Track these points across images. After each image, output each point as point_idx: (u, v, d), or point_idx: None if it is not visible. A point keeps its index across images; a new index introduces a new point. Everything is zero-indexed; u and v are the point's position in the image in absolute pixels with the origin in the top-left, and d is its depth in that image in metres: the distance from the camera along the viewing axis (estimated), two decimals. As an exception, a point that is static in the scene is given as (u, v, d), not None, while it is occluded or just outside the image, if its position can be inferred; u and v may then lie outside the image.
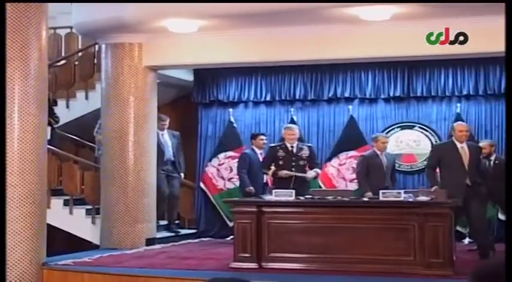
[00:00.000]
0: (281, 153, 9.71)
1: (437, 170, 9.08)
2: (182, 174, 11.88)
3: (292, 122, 11.57)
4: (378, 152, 10.05)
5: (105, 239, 10.52)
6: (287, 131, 9.91)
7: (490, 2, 8.18)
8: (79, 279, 8.22)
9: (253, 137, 11.22)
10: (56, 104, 12.14)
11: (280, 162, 9.67)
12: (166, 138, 11.63)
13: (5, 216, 7.86)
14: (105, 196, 10.55)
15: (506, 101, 5.85)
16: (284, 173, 9.56)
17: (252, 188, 10.64)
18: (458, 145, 8.83)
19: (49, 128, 11.67)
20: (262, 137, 11.11)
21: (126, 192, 10.44)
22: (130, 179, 10.47)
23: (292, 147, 9.74)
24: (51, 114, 11.84)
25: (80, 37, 12.75)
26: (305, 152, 9.76)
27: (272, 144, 10.29)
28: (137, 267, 8.47)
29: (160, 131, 11.42)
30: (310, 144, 10.35)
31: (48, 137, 11.59)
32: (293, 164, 9.66)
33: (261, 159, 10.69)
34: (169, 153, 11.57)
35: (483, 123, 11.39)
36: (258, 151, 10.97)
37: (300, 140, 10.65)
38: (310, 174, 9.74)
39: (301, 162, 9.73)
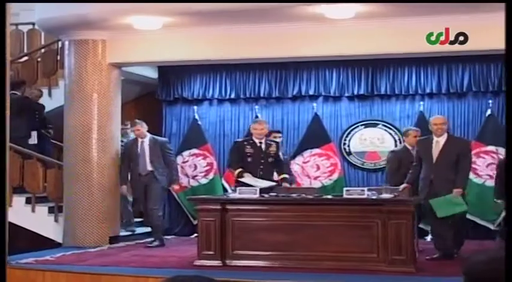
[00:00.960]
0: (249, 149, 9.16)
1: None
2: (176, 186, 10.94)
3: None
4: (409, 147, 9.74)
5: (68, 237, 10.44)
6: (253, 125, 9.43)
7: (490, 1, 8.27)
8: (41, 278, 8.13)
9: (268, 134, 10.57)
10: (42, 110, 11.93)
11: (249, 160, 9.12)
12: (146, 146, 10.50)
13: (4, 216, 7.75)
14: (69, 194, 10.47)
15: (507, 101, 5.87)
16: (248, 180, 8.81)
17: None
18: (434, 139, 8.75)
19: (35, 133, 11.59)
20: (276, 134, 10.57)
21: (89, 190, 10.37)
22: (94, 176, 10.41)
23: (260, 143, 9.22)
24: (44, 126, 11.71)
25: (42, 33, 12.62)
26: (273, 149, 9.27)
27: (238, 139, 9.91)
28: (100, 266, 8.42)
29: (140, 139, 10.57)
30: (277, 140, 9.80)
31: (35, 141, 11.52)
32: (262, 161, 9.14)
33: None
34: (144, 164, 10.43)
35: (446, 122, 11.49)
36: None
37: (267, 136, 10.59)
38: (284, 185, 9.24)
39: (270, 160, 9.21)
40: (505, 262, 1.77)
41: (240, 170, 9.01)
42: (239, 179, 8.92)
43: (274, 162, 9.28)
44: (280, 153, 9.54)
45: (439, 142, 8.71)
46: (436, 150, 8.69)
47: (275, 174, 9.38)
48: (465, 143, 9.21)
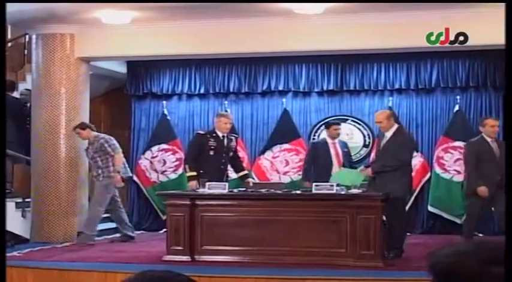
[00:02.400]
0: (212, 142, 9.13)
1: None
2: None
3: (226, 114, 11.57)
4: (488, 139, 8.83)
5: (35, 232, 10.36)
6: (222, 119, 9.32)
7: (490, 2, 8.33)
8: (8, 275, 8.02)
9: (327, 126, 10.41)
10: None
11: (211, 153, 9.10)
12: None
13: (4, 216, 7.66)
14: (36, 189, 10.40)
15: (506, 100, 5.90)
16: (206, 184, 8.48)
17: (308, 183, 9.49)
18: (385, 133, 8.74)
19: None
20: (336, 126, 10.26)
21: (57, 185, 10.30)
22: (62, 171, 10.34)
23: (224, 137, 9.25)
24: None
25: (9, 27, 12.49)
26: (234, 144, 9.43)
27: (201, 131, 9.77)
28: (68, 261, 8.37)
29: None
30: (237, 135, 9.84)
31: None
32: (224, 155, 9.21)
33: (332, 150, 10.03)
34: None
35: (414, 117, 11.57)
36: (330, 141, 10.16)
37: (234, 132, 10.59)
38: (249, 181, 9.30)
39: (230, 154, 9.36)
40: (505, 262, 1.78)
41: (193, 174, 8.91)
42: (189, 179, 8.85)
43: (232, 157, 9.43)
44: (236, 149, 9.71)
45: (386, 137, 8.70)
46: (382, 145, 8.73)
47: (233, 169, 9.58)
48: (407, 138, 8.99)
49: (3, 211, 7.69)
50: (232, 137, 9.46)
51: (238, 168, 9.56)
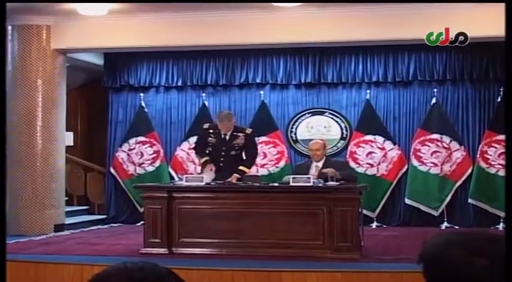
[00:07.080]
0: (212, 139, 8.73)
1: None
2: None
3: (204, 107, 11.58)
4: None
5: (11, 225, 10.27)
6: (220, 124, 8.76)
7: (490, 2, 8.34)
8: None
9: None
10: None
11: (210, 149, 8.76)
12: None
13: (4, 213, 7.57)
14: (12, 181, 10.31)
15: (506, 100, 5.89)
16: (209, 175, 8.45)
17: None
18: (313, 164, 8.83)
19: None
20: None
21: (34, 178, 10.26)
22: (38, 164, 10.29)
23: (225, 134, 8.72)
24: None
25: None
26: (239, 141, 8.71)
27: (205, 125, 9.12)
28: (45, 254, 8.32)
29: None
30: (248, 131, 9.01)
31: None
32: (223, 154, 8.69)
33: None
34: None
35: (392, 110, 11.60)
36: None
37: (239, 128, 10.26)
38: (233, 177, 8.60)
39: (233, 152, 8.71)
40: (505, 263, 1.79)
41: (205, 158, 8.77)
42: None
43: (238, 155, 8.84)
44: (250, 147, 8.96)
45: (318, 166, 8.74)
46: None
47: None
48: (342, 163, 9.31)
49: (3, 211, 7.62)
50: (240, 134, 8.80)
51: (241, 164, 8.82)
